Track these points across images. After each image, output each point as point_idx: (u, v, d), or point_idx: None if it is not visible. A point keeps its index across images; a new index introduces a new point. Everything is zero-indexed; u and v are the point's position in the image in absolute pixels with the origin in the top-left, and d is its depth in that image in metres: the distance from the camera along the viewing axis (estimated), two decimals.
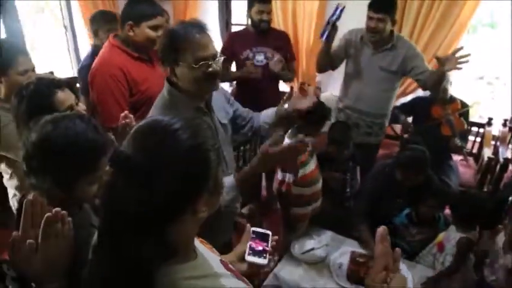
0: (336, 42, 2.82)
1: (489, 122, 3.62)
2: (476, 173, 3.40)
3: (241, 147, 2.83)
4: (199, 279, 0.79)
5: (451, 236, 2.14)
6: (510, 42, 3.52)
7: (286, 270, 2.14)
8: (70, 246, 0.97)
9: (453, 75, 3.07)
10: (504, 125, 3.55)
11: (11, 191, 1.98)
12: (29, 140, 1.08)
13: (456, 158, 3.38)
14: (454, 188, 3.00)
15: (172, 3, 4.71)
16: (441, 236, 2.22)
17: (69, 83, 1.59)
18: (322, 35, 2.64)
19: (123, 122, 1.63)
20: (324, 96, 4.06)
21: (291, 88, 1.86)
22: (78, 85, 3.19)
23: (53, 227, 0.93)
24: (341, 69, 3.01)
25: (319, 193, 2.46)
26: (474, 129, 3.66)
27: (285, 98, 1.80)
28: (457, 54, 2.31)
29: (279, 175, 2.37)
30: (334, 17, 2.54)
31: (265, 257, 1.10)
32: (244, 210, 3.37)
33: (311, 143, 2.28)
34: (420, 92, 3.62)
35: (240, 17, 4.80)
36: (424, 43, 3.62)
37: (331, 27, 2.58)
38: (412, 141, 2.49)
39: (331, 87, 4.14)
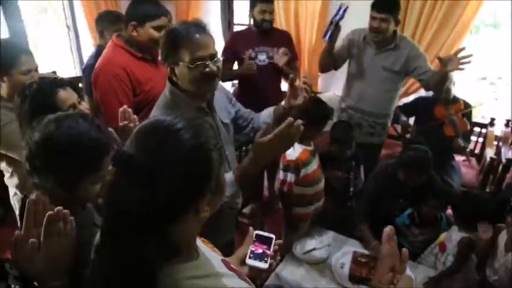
0: (339, 42, 2.82)
1: (491, 123, 3.61)
2: (479, 173, 3.40)
3: (244, 147, 2.83)
4: (201, 278, 0.79)
5: (453, 236, 2.13)
6: None
7: (288, 270, 2.14)
8: (72, 245, 0.97)
9: (456, 76, 3.07)
10: (507, 125, 3.55)
11: (11, 190, 1.99)
12: (32, 139, 1.09)
13: (458, 158, 3.38)
14: (456, 188, 3.00)
15: (174, 3, 4.72)
16: (443, 236, 2.21)
17: (71, 82, 1.59)
18: (325, 35, 2.64)
19: (122, 124, 1.62)
20: (327, 96, 4.06)
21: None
22: (80, 85, 3.19)
23: (55, 225, 0.93)
24: (343, 69, 3.01)
25: (322, 193, 2.46)
26: (476, 129, 3.65)
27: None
28: (459, 55, 2.31)
29: (281, 175, 2.37)
30: (338, 17, 2.54)
31: (266, 261, 1.09)
32: (246, 210, 3.37)
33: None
34: (422, 92, 3.62)
35: (242, 17, 4.81)
36: (426, 43, 3.61)
37: (335, 27, 2.58)
38: (415, 141, 2.48)
39: (334, 87, 4.15)
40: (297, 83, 1.70)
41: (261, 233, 1.15)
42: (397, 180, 2.33)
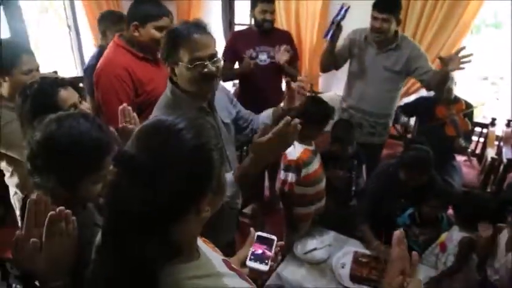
0: (340, 42, 2.81)
1: (492, 123, 3.61)
2: (480, 174, 3.40)
3: (244, 147, 2.83)
4: (202, 278, 0.79)
5: (454, 236, 2.13)
6: None
7: (288, 270, 2.14)
8: (74, 245, 0.97)
9: (457, 76, 3.07)
10: (508, 125, 3.54)
11: (11, 189, 1.99)
12: (34, 139, 1.09)
13: (459, 158, 3.37)
14: (457, 188, 2.99)
15: (176, 3, 4.72)
16: (444, 236, 2.21)
17: (72, 82, 1.60)
18: (326, 35, 2.64)
19: (122, 124, 1.62)
20: (328, 95, 4.05)
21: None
22: (81, 85, 3.19)
23: (56, 225, 0.93)
24: (344, 69, 3.01)
25: (323, 192, 2.46)
26: (478, 129, 3.65)
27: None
28: (460, 54, 2.31)
29: (282, 174, 2.37)
30: (339, 17, 2.54)
31: (266, 263, 1.08)
32: (247, 210, 3.38)
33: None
34: (423, 92, 3.61)
35: (243, 17, 4.81)
36: (427, 43, 3.61)
37: (336, 27, 2.58)
38: (416, 141, 2.48)
39: (335, 87, 4.14)
40: (293, 85, 1.70)
41: (262, 234, 1.14)
42: (398, 180, 2.33)
